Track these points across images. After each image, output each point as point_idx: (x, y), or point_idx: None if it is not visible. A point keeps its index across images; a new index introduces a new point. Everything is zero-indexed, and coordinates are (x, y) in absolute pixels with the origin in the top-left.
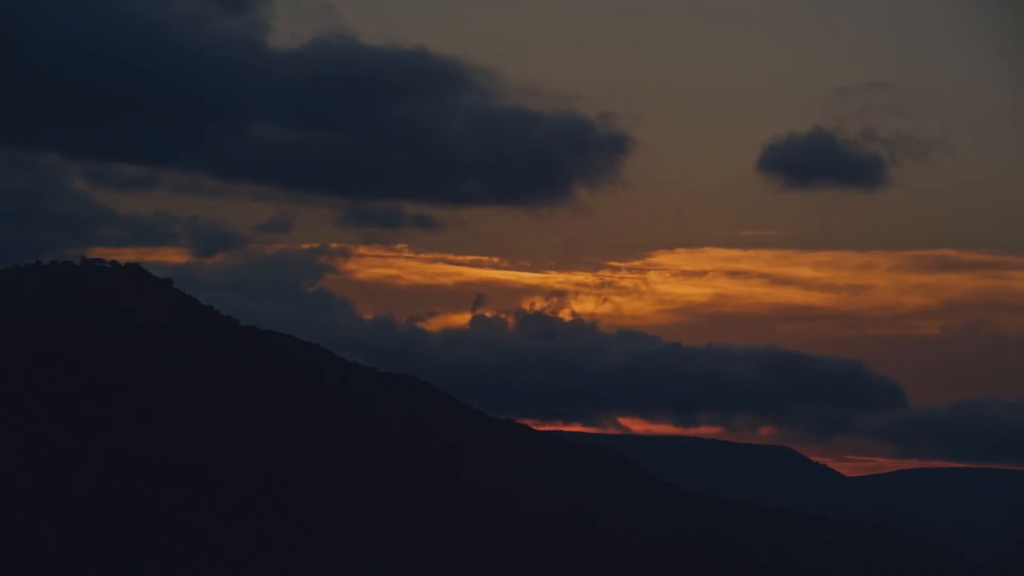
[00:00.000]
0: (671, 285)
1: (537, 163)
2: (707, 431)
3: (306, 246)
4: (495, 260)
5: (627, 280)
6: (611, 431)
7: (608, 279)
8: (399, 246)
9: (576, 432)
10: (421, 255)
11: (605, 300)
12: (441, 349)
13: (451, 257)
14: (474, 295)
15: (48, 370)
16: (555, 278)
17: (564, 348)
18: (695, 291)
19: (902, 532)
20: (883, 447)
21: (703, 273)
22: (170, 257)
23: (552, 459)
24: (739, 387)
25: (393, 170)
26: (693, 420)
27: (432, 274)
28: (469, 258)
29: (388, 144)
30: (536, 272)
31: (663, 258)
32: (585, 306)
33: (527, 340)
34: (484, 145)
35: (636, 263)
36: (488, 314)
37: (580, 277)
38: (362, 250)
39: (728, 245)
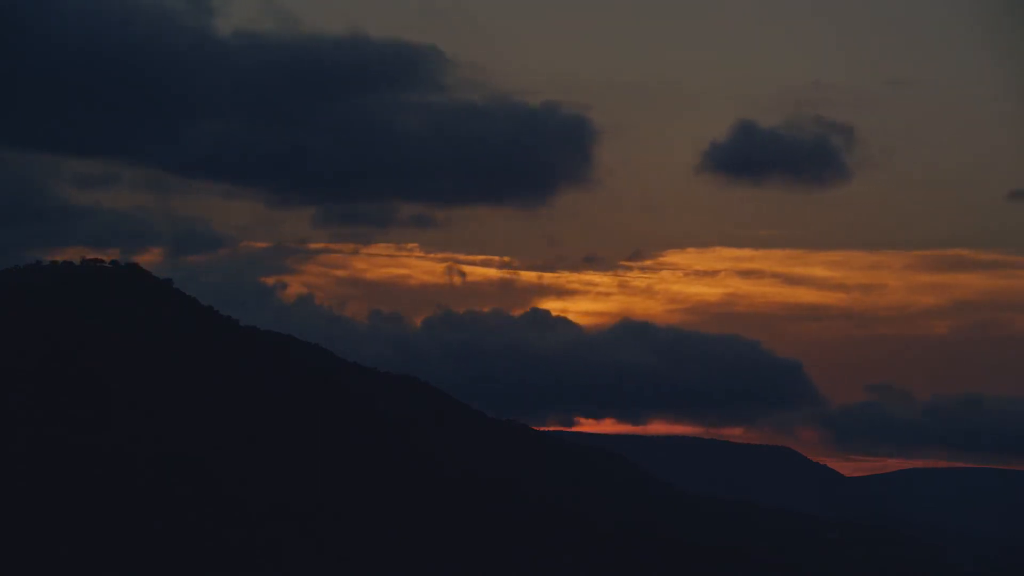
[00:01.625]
0: (683, 284)
1: (528, 161)
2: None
3: (260, 245)
4: (506, 259)
5: (640, 280)
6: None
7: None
8: (394, 245)
9: (576, 432)
10: (404, 253)
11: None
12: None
13: (462, 256)
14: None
15: (48, 370)
16: (566, 277)
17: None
18: (708, 290)
19: (902, 532)
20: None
21: (715, 272)
22: (144, 257)
23: (552, 459)
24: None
25: (371, 168)
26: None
27: (439, 272)
28: (480, 257)
29: (355, 140)
30: (545, 272)
31: (675, 257)
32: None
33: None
34: (469, 143)
35: (649, 263)
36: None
37: (590, 277)
38: (331, 247)
39: (740, 244)
